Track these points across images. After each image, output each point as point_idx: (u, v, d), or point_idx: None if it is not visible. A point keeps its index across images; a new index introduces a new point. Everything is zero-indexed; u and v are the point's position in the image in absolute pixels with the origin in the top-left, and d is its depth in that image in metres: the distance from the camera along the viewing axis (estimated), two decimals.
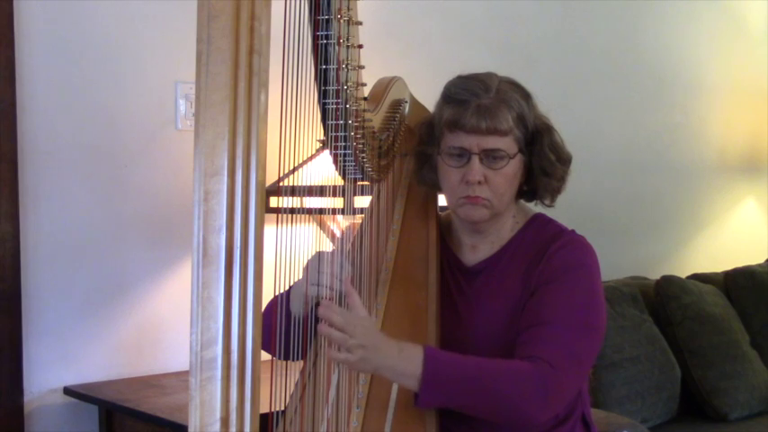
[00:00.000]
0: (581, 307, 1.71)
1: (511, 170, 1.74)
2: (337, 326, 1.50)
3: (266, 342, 1.62)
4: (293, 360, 1.71)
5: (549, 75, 3.58)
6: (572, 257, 1.75)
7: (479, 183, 1.73)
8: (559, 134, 1.82)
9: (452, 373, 1.58)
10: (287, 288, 1.64)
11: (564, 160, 1.81)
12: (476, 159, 1.72)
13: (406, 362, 1.56)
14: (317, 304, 1.69)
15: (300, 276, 1.68)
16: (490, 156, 1.72)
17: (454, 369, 1.59)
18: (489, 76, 1.77)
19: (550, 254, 1.75)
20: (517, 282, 1.77)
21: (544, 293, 1.72)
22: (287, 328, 1.68)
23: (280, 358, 1.64)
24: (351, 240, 1.81)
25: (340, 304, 1.60)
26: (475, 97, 1.72)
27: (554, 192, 1.82)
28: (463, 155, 1.73)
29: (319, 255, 1.68)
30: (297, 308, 1.70)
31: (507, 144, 1.73)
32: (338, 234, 2.65)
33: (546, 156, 1.77)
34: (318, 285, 1.65)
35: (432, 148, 1.81)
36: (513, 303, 1.75)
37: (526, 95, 1.78)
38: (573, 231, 1.82)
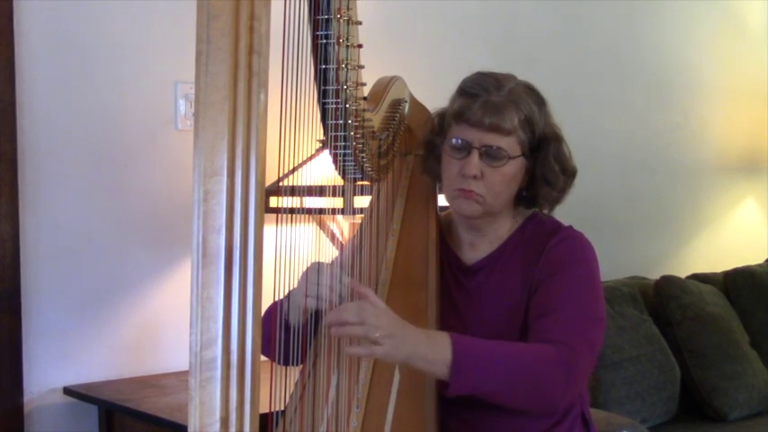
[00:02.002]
0: (584, 297, 1.72)
1: (509, 170, 1.74)
2: (354, 322, 1.49)
3: (265, 348, 1.62)
4: (293, 365, 1.71)
5: (548, 74, 3.56)
6: (572, 251, 1.77)
7: (475, 177, 1.73)
8: (568, 146, 1.81)
9: (481, 357, 1.57)
10: (286, 289, 1.64)
11: (568, 173, 1.81)
12: (475, 153, 1.72)
13: (435, 348, 1.55)
14: (316, 314, 1.69)
15: (300, 278, 1.68)
16: (490, 153, 1.72)
17: (482, 353, 1.58)
18: (507, 76, 1.78)
19: (550, 248, 1.76)
20: (517, 278, 1.78)
21: (549, 285, 1.73)
22: (286, 334, 1.68)
23: (279, 363, 1.64)
24: (351, 252, 1.79)
25: None
26: (485, 93, 1.72)
27: (553, 202, 1.82)
28: (464, 147, 1.74)
29: (317, 266, 1.66)
30: (295, 318, 1.70)
31: (509, 144, 1.73)
32: (338, 235, 2.65)
33: (550, 165, 1.77)
34: (317, 299, 1.64)
35: (439, 139, 1.82)
36: (513, 300, 1.76)
37: (540, 102, 1.78)
38: (570, 227, 1.82)
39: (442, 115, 1.83)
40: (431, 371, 1.57)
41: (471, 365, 1.55)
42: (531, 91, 1.78)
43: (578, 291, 1.72)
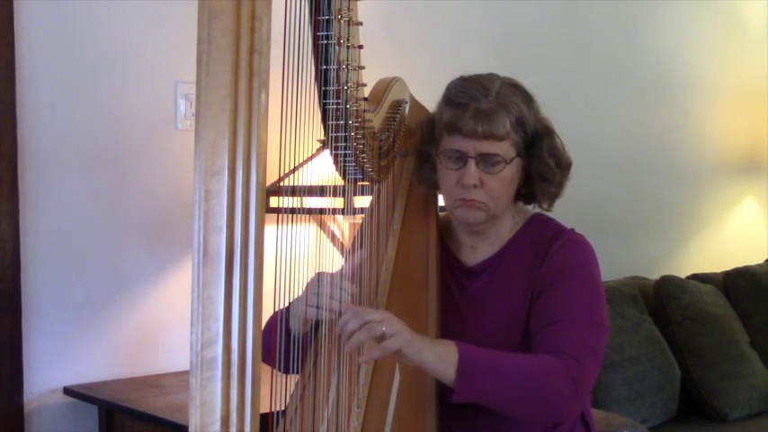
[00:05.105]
0: (586, 303, 1.72)
1: (508, 174, 1.74)
2: (355, 328, 1.49)
3: (266, 357, 1.62)
4: (293, 374, 1.71)
5: (549, 75, 3.58)
6: (573, 256, 1.76)
7: (475, 186, 1.73)
8: (561, 139, 1.81)
9: (486, 363, 1.58)
10: (286, 289, 1.64)
11: (563, 166, 1.81)
12: (472, 163, 1.72)
13: (443, 348, 1.56)
14: (317, 325, 1.69)
15: (300, 279, 1.67)
16: (486, 160, 1.72)
17: (487, 359, 1.59)
18: (491, 78, 1.76)
19: (552, 254, 1.76)
20: (521, 282, 1.77)
21: (551, 293, 1.72)
22: (286, 344, 1.68)
23: (280, 371, 1.64)
24: (354, 264, 1.78)
25: None
26: (474, 101, 1.71)
27: (552, 197, 1.82)
28: (460, 158, 1.73)
29: (319, 277, 1.66)
30: (296, 327, 1.70)
31: (504, 149, 1.72)
32: (338, 235, 2.65)
33: (544, 160, 1.77)
34: (317, 307, 1.64)
35: (432, 148, 1.81)
36: (517, 303, 1.76)
37: (528, 99, 1.77)
38: (572, 230, 1.82)
39: (431, 122, 1.82)
40: (441, 370, 1.56)
41: (476, 369, 1.55)
42: (516, 89, 1.76)
43: (579, 298, 1.72)
